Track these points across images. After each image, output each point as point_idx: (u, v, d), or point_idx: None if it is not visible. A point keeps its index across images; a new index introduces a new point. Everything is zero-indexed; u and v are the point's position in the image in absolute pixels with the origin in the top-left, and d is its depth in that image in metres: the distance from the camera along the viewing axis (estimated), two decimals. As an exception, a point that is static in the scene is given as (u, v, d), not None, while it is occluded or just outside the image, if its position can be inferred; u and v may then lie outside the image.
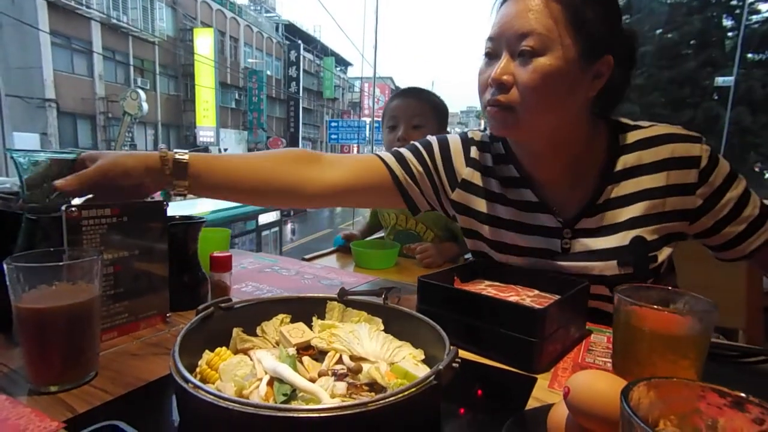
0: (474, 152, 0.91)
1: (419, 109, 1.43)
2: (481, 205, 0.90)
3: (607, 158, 0.81)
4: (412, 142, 0.96)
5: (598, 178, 0.81)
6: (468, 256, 1.41)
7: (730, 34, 14.33)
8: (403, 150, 0.93)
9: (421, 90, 1.53)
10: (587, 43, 0.71)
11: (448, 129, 1.56)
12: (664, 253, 0.79)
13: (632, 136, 0.81)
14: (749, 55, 13.59)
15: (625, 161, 0.80)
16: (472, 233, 0.93)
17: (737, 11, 13.70)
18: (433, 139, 0.94)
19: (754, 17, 13.43)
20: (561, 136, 0.79)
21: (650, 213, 0.78)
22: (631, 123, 0.83)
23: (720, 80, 12.81)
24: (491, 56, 0.76)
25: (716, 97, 13.72)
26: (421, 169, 0.91)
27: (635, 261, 0.78)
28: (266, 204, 0.87)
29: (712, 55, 13.84)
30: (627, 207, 0.79)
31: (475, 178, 0.90)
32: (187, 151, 0.76)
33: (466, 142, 0.92)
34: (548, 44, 0.70)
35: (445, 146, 0.93)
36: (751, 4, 13.19)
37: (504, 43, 0.74)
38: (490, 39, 0.76)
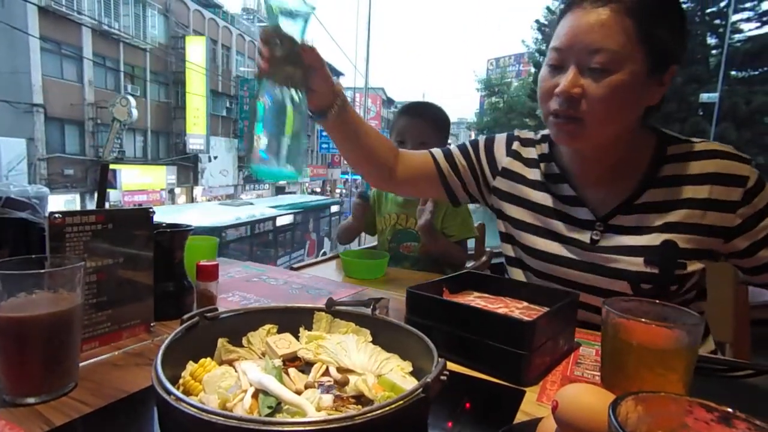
0: (516, 146, 0.99)
1: (425, 129, 1.52)
2: (521, 190, 0.95)
3: (651, 163, 0.82)
4: (462, 141, 1.06)
5: (640, 180, 0.83)
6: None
7: (714, 51, 14.68)
8: (452, 147, 1.05)
9: (426, 107, 1.62)
10: (657, 57, 0.72)
11: None
12: (693, 266, 0.79)
13: (680, 148, 0.82)
14: (732, 73, 13.92)
15: (669, 169, 0.81)
16: (509, 218, 0.97)
17: (720, 30, 14.06)
18: (480, 137, 1.05)
19: (737, 36, 13.78)
20: (610, 142, 0.81)
21: (687, 222, 0.78)
22: (682, 137, 0.84)
23: (705, 96, 13.09)
24: (556, 67, 0.76)
25: (701, 113, 14.01)
26: (465, 162, 1.01)
27: (662, 262, 0.78)
28: (357, 164, 0.98)
29: (697, 72, 14.15)
30: (664, 212, 0.80)
31: (515, 166, 0.97)
32: None
33: (511, 137, 1.01)
34: (620, 61, 0.70)
35: (490, 140, 1.02)
36: (734, 23, 13.54)
37: (572, 56, 0.73)
38: (556, 50, 0.75)
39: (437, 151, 1.02)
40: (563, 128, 0.77)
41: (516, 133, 1.01)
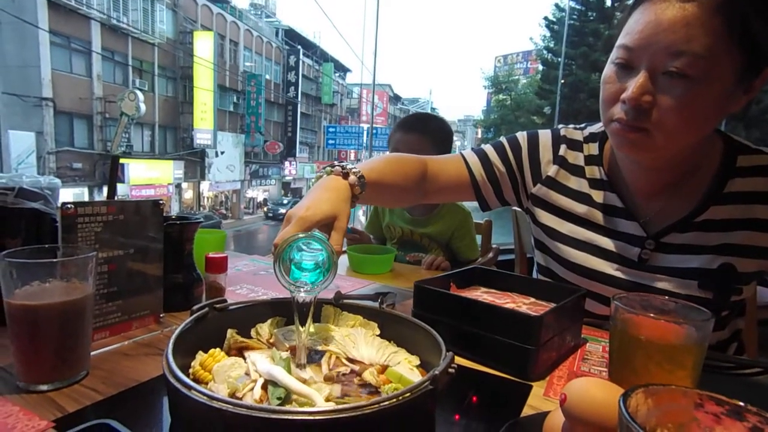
0: (563, 150, 0.89)
1: (421, 145, 1.44)
2: (562, 201, 0.88)
3: (718, 176, 0.75)
4: (500, 138, 0.96)
5: (704, 195, 0.75)
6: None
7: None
8: (488, 148, 0.95)
9: (424, 121, 1.55)
10: (751, 61, 0.61)
11: None
12: (748, 290, 0.74)
13: (750, 160, 0.74)
14: (744, 71, 13.74)
15: (737, 184, 0.74)
16: (543, 226, 0.90)
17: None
18: (522, 136, 0.94)
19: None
20: (679, 153, 0.72)
21: (751, 244, 0.72)
22: (752, 146, 0.76)
23: (715, 95, 12.94)
24: (624, 67, 0.67)
25: (711, 112, 13.84)
26: (503, 169, 0.92)
27: (718, 287, 0.73)
28: (394, 205, 1.03)
29: (707, 71, 13.98)
30: (726, 232, 0.73)
31: (561, 176, 0.88)
32: (352, 166, 0.74)
33: (557, 139, 0.91)
34: (705, 68, 0.60)
35: (533, 143, 0.92)
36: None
37: (646, 57, 0.63)
38: (626, 48, 0.65)
39: (471, 157, 0.93)
40: (627, 136, 0.67)
41: (562, 132, 0.90)
